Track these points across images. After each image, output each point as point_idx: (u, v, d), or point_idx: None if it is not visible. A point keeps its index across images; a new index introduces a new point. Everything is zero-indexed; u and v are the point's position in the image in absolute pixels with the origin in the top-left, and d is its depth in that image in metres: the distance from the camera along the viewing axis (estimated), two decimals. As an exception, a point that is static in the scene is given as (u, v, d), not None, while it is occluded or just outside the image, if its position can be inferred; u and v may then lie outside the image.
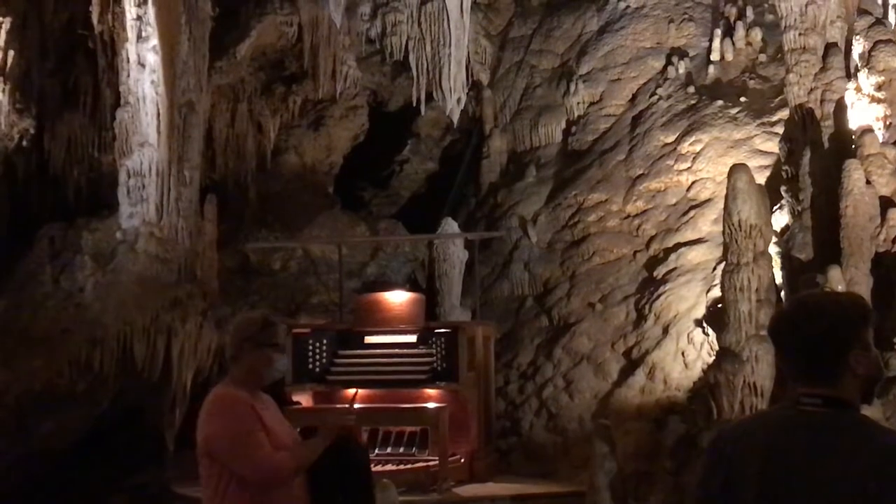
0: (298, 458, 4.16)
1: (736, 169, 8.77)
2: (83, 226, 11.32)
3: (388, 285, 12.68)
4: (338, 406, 4.80)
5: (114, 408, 10.63)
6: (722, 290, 7.69)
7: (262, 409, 4.19)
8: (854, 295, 2.43)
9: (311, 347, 11.01)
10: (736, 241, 7.66)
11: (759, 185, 8.84)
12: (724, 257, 11.53)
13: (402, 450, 10.94)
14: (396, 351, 11.06)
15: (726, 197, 8.38)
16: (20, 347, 10.15)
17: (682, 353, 10.95)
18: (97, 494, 10.54)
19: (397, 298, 11.48)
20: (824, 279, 7.50)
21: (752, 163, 12.32)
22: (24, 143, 11.43)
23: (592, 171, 13.75)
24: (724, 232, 7.96)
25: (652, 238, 12.59)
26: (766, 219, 8.33)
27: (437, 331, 11.04)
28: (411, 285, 12.86)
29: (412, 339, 11.12)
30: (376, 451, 10.91)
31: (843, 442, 2.19)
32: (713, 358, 10.72)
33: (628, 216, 12.98)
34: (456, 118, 13.96)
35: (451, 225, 13.50)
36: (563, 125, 14.65)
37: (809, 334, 2.27)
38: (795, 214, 9.37)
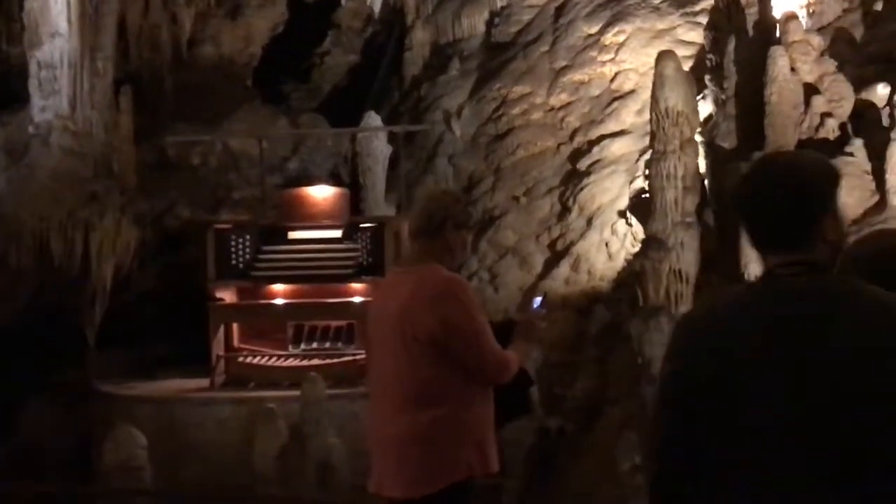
0: (516, 360, 3.94)
1: (663, 56, 8.72)
2: (-7, 120, 10.94)
3: (311, 180, 12.51)
4: (530, 310, 4.34)
5: (33, 305, 10.41)
6: (649, 178, 7.70)
7: None
8: (819, 155, 2.23)
9: (233, 244, 10.86)
10: (663, 129, 7.65)
11: (686, 72, 8.81)
12: (649, 148, 11.61)
13: (328, 344, 10.95)
14: (321, 246, 10.98)
15: (654, 84, 8.34)
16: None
17: (606, 244, 11.02)
18: (18, 392, 10.37)
19: (321, 193, 11.34)
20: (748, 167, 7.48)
21: (676, 53, 12.31)
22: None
23: (516, 64, 13.60)
24: (651, 120, 7.94)
25: (576, 130, 12.55)
26: (693, 106, 8.32)
27: (362, 226, 10.98)
28: (334, 181, 12.68)
29: (337, 234, 11.03)
30: (302, 346, 10.92)
31: (848, 308, 2.00)
32: (637, 247, 10.83)
33: (552, 108, 12.90)
34: (377, 9, 13.69)
35: (374, 119, 13.31)
36: (487, 16, 14.43)
37: (783, 195, 2.03)
38: (719, 103, 9.38)
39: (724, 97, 9.23)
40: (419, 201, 4.20)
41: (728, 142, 8.93)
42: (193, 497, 9.19)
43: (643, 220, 7.65)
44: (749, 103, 8.67)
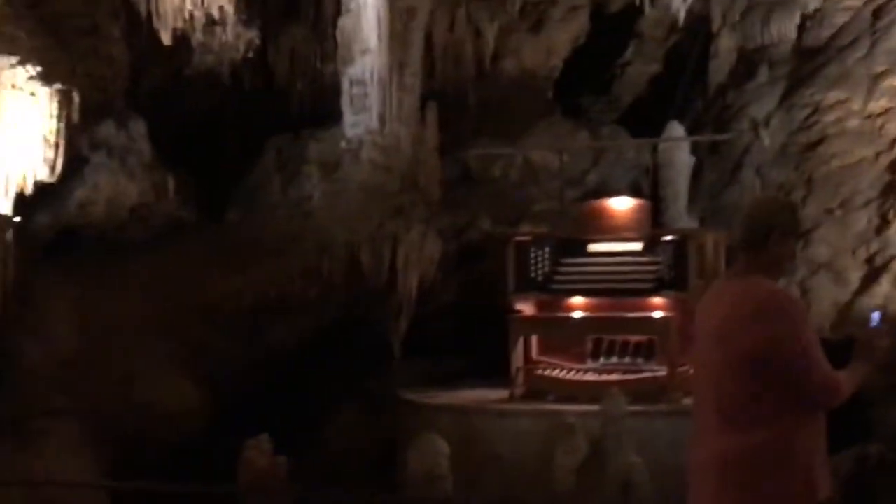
0: (850, 383, 3.70)
1: None
2: (309, 136, 11.44)
3: (611, 193, 12.32)
4: (868, 327, 4.10)
5: (342, 316, 10.80)
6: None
7: None
8: None
9: (533, 256, 10.86)
10: None
11: None
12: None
13: (627, 360, 10.72)
14: (621, 259, 10.78)
15: None
16: (253, 255, 10.41)
17: (923, 258, 10.22)
18: (328, 400, 10.78)
19: (622, 205, 11.14)
20: None
21: None
22: (250, 54, 11.60)
23: (830, 69, 12.88)
24: None
25: (897, 139, 11.72)
26: None
27: (664, 239, 10.69)
28: (634, 193, 12.42)
29: (637, 247, 10.80)
30: (601, 360, 10.74)
31: None
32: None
33: (870, 116, 12.11)
34: (682, 17, 13.33)
35: (676, 129, 12.96)
36: (797, 21, 13.73)
37: None
38: None
39: None
40: (744, 210, 3.93)
41: None
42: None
43: None
44: None
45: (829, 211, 11.76)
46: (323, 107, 12.20)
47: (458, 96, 12.38)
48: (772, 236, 3.77)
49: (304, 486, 9.64)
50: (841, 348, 3.87)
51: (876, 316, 3.97)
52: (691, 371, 3.97)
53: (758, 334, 3.59)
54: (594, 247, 10.94)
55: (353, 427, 10.61)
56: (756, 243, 3.80)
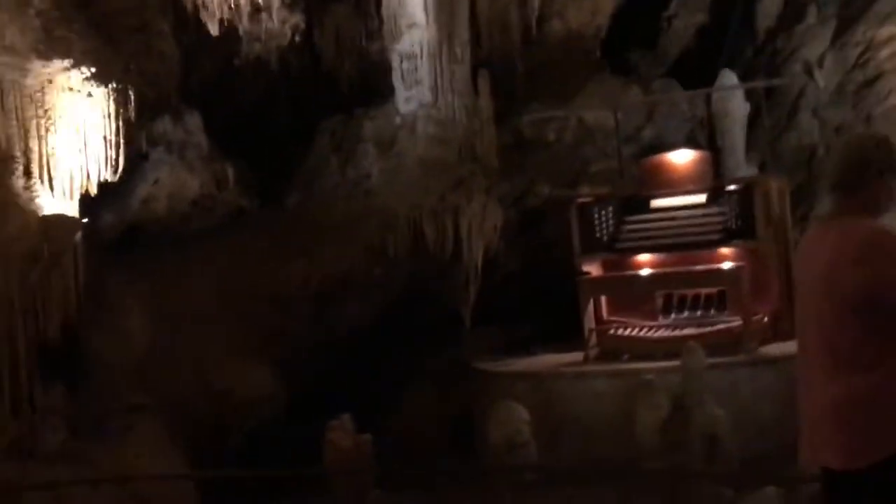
0: None
1: None
2: (362, 115, 11.43)
3: (667, 148, 12.21)
4: None
5: (408, 291, 10.82)
6: None
7: None
8: None
9: (596, 217, 10.80)
10: None
11: None
12: None
13: (699, 313, 10.64)
14: (686, 213, 10.70)
15: None
16: (316, 237, 10.44)
17: None
18: (400, 376, 10.81)
19: (682, 158, 11.05)
20: None
21: None
22: (296, 38, 11.60)
23: (879, 5, 12.64)
24: None
25: (957, 68, 11.48)
26: None
27: (728, 189, 10.58)
28: (691, 146, 12.29)
29: (701, 199, 10.70)
30: (672, 316, 10.68)
31: None
32: None
33: (927, 47, 11.88)
34: (725, -37, 13.15)
35: (729, 77, 12.77)
36: (843, -43, 13.51)
37: None
38: None
39: None
40: (838, 149, 3.84)
41: None
42: (584, 472, 9.18)
43: None
44: None
45: (893, 148, 11.53)
46: (372, 85, 12.18)
47: (506, 64, 12.30)
48: (868, 174, 3.70)
49: (387, 464, 9.71)
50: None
51: None
52: (795, 317, 3.87)
53: (862, 276, 3.50)
54: (657, 202, 10.86)
55: (427, 401, 10.64)
56: (853, 183, 3.72)
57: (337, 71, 12.57)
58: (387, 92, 11.71)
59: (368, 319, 10.53)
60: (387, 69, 11.66)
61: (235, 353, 9.98)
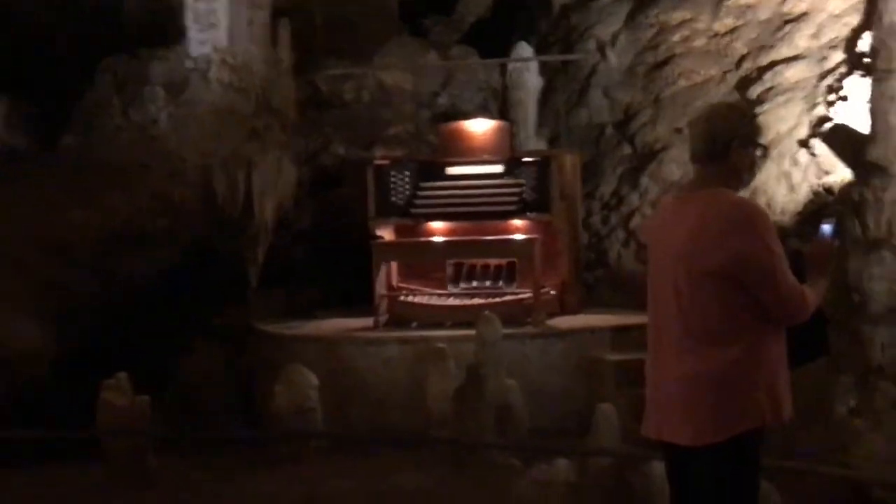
0: (815, 299, 3.59)
1: None
2: (148, 56, 10.71)
3: (461, 115, 12.13)
4: (818, 239, 3.82)
5: (196, 245, 10.26)
6: (871, 101, 7.07)
7: None
8: None
9: (392, 180, 10.58)
10: (886, 44, 6.99)
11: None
12: (829, 72, 10.93)
13: (488, 283, 10.62)
14: (482, 182, 10.63)
15: (877, -3, 7.62)
16: (97, 183, 9.71)
17: (787, 176, 10.41)
18: (183, 335, 10.27)
19: (481, 127, 10.96)
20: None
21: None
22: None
23: (674, -12, 12.91)
24: (874, 36, 7.27)
25: (743, 57, 11.87)
26: (923, 19, 7.61)
27: (525, 160, 10.57)
28: (484, 115, 12.23)
29: (499, 169, 10.65)
30: (462, 285, 10.61)
31: None
32: (824, 178, 10.21)
33: (716, 34, 12.22)
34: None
35: (525, 50, 12.83)
36: (637, -61, 13.72)
37: None
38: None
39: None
40: (700, 120, 3.75)
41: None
42: (373, 440, 8.99)
43: (865, 143, 7.02)
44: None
45: (679, 130, 11.86)
46: (158, 24, 11.45)
47: (303, 14, 11.83)
48: (731, 146, 3.65)
49: (165, 425, 9.22)
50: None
51: (827, 228, 3.84)
52: (648, 291, 3.75)
53: (728, 248, 3.48)
54: (454, 170, 10.74)
55: (211, 363, 10.14)
56: (716, 154, 3.66)
57: (121, 7, 11.76)
58: (174, 33, 11.02)
59: (153, 274, 9.90)
60: (176, 8, 10.97)
61: (2, 306, 9.16)
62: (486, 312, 8.99)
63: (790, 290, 3.53)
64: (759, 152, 3.53)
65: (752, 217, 3.55)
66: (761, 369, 3.53)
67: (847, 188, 7.56)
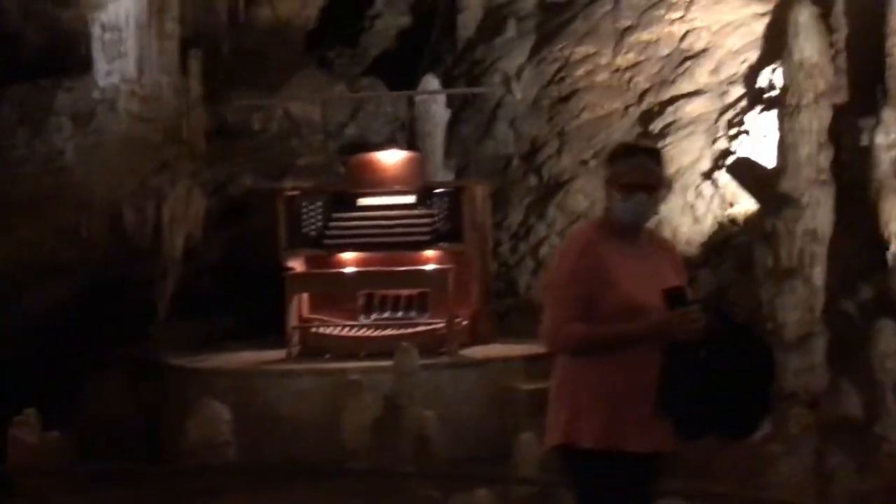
0: (588, 337, 3.50)
1: (797, 2, 8.21)
2: (53, 86, 10.50)
3: (369, 146, 12.17)
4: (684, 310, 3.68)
5: (102, 277, 10.05)
6: (782, 134, 7.32)
7: (624, 254, 3.56)
8: None
9: (303, 211, 10.52)
10: (796, 82, 7.26)
11: (821, 21, 8.38)
12: (729, 107, 11.27)
13: (400, 314, 10.62)
14: (394, 213, 10.64)
15: (787, 34, 7.93)
16: (1, 215, 9.47)
17: (691, 207, 10.69)
18: (86, 368, 10.03)
19: (392, 158, 10.98)
20: (873, 122, 7.19)
21: (749, 10, 11.96)
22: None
23: (577, 24, 13.21)
24: (784, 72, 7.55)
25: (645, 91, 12.19)
26: (828, 57, 7.93)
27: (437, 190, 10.63)
28: (392, 146, 12.28)
29: (411, 199, 10.68)
30: (373, 315, 10.59)
31: None
32: (728, 210, 10.50)
33: (618, 69, 12.53)
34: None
35: (432, 82, 12.92)
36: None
37: None
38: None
39: (833, 51, 8.80)
40: (650, 148, 3.98)
41: (839, 97, 8.57)
42: (284, 472, 8.89)
43: (776, 176, 7.26)
44: (864, 57, 8.29)
45: (584, 162, 12.11)
46: (60, 55, 11.24)
47: (212, 45, 11.76)
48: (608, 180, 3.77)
49: (74, 462, 8.98)
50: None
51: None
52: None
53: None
54: (365, 201, 10.73)
55: (117, 396, 9.92)
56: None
57: (20, 36, 11.52)
58: (77, 63, 10.85)
59: (61, 305, 9.67)
60: (80, 38, 10.80)
61: None
62: (404, 343, 9.00)
63: (546, 316, 3.59)
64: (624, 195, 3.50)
65: (567, 243, 3.83)
66: (568, 392, 3.58)
67: (756, 219, 7.79)
